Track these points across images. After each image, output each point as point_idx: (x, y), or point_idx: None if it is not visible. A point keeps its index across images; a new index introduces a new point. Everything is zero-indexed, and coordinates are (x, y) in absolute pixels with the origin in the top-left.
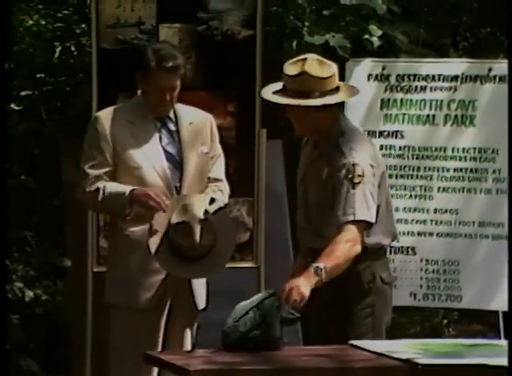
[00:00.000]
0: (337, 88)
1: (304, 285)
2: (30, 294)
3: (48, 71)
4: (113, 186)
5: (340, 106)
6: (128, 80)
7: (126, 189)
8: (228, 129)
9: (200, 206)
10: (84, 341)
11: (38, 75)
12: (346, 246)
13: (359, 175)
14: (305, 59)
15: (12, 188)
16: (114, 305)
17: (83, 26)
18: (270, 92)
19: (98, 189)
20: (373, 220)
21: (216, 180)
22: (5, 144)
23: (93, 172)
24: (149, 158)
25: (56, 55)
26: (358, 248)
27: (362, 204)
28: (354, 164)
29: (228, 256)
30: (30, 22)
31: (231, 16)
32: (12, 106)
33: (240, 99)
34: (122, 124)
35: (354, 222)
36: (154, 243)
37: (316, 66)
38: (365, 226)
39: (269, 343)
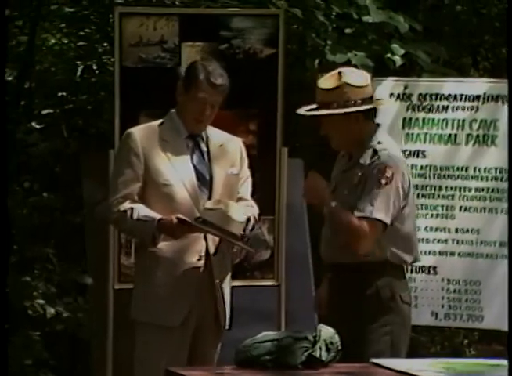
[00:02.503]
0: (371, 98)
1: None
2: (51, 311)
3: (70, 90)
4: (142, 211)
5: (375, 117)
6: (150, 98)
7: (154, 217)
8: (249, 147)
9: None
10: (105, 358)
11: (60, 94)
12: (359, 229)
13: (387, 177)
14: (341, 71)
15: (34, 206)
16: (140, 322)
17: (105, 44)
18: (310, 110)
19: (126, 211)
20: (388, 221)
21: (244, 200)
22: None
23: (122, 190)
24: (180, 176)
25: (78, 73)
26: (366, 243)
27: (382, 204)
28: (386, 166)
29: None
30: (53, 41)
31: (253, 34)
32: (34, 124)
33: (262, 117)
34: (155, 140)
35: (370, 219)
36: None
37: (354, 75)
38: (380, 227)
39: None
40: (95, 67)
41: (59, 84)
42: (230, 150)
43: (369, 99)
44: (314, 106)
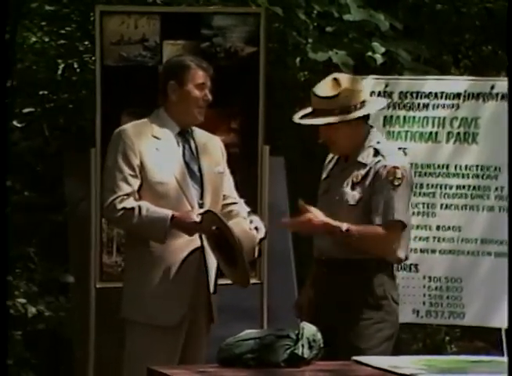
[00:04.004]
0: (364, 101)
1: (319, 222)
2: (32, 310)
3: (51, 88)
4: (151, 209)
5: (368, 119)
6: (131, 97)
7: (166, 213)
8: (231, 146)
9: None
10: (87, 357)
11: (41, 92)
12: (384, 239)
13: (399, 178)
14: (336, 77)
15: (15, 204)
16: (133, 321)
17: (86, 43)
18: (308, 117)
19: (132, 209)
20: (407, 222)
21: (231, 198)
22: (5, 160)
23: (124, 187)
24: (174, 174)
25: (59, 72)
26: (393, 246)
27: (400, 205)
28: (394, 167)
29: (248, 270)
30: (34, 39)
31: (234, 32)
32: (15, 123)
33: (243, 115)
34: (148, 138)
35: (393, 221)
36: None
37: (350, 80)
38: (401, 227)
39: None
40: (76, 66)
41: (40, 83)
42: (213, 148)
43: (366, 102)
44: (308, 110)
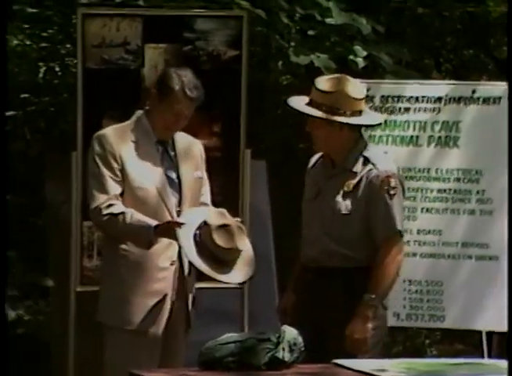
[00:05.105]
0: (361, 111)
1: (361, 332)
2: (12, 314)
3: (32, 91)
4: (136, 216)
5: (360, 128)
6: (113, 100)
7: (150, 222)
8: (212, 150)
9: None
10: (67, 361)
11: (22, 95)
12: (394, 260)
13: (394, 187)
14: (341, 77)
15: None
16: (111, 326)
17: (68, 46)
18: (300, 103)
19: (117, 215)
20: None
21: (206, 205)
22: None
23: (109, 193)
24: (153, 181)
25: (41, 75)
26: (401, 257)
27: (399, 214)
28: (388, 176)
29: (253, 266)
30: (15, 42)
31: (216, 36)
32: None
33: (225, 119)
34: (127, 142)
35: (395, 232)
36: (189, 245)
37: (353, 86)
38: (401, 236)
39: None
40: (57, 69)
41: (22, 86)
42: (193, 153)
43: (359, 113)
44: (306, 100)
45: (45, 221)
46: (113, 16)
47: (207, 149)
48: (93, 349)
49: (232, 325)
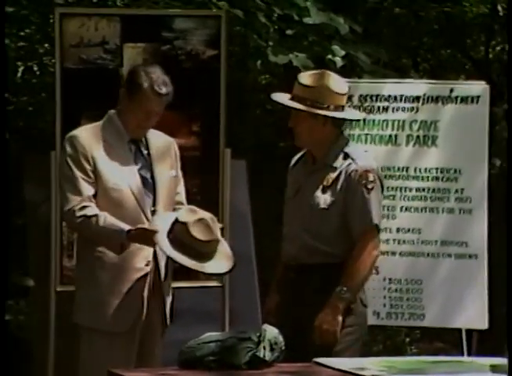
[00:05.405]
0: (343, 107)
1: (331, 323)
2: None
3: (10, 91)
4: (109, 219)
5: (342, 125)
6: (91, 99)
7: (122, 227)
8: (192, 149)
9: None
10: (47, 360)
11: None
12: (370, 254)
13: (372, 181)
14: (324, 72)
15: None
16: (86, 327)
17: (46, 45)
18: (284, 99)
19: (90, 218)
20: (380, 224)
21: (181, 204)
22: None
23: (82, 195)
24: (127, 181)
25: (19, 74)
26: (377, 253)
27: (375, 208)
28: (366, 171)
29: (232, 257)
30: None
31: (195, 35)
32: None
33: (204, 118)
34: (99, 143)
35: (372, 226)
36: (163, 241)
37: (336, 81)
38: (378, 230)
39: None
40: (35, 68)
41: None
42: (167, 151)
43: (342, 108)
44: (289, 96)
45: (24, 221)
46: (91, 15)
47: (186, 148)
48: (74, 349)
49: (213, 324)
